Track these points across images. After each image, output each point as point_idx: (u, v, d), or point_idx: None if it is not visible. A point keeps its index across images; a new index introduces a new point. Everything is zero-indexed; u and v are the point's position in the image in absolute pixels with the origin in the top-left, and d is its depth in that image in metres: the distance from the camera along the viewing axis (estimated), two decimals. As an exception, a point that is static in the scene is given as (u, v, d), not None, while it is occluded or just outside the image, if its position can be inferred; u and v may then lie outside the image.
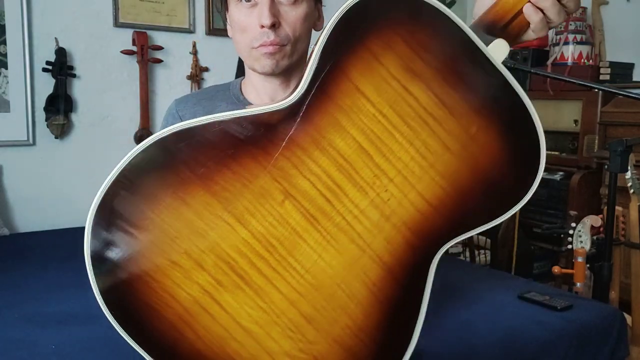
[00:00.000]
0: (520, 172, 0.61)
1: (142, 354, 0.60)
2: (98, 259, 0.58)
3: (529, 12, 0.63)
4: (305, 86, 0.57)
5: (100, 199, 0.56)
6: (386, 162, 0.58)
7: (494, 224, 0.63)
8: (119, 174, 0.55)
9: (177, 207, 0.57)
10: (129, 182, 0.56)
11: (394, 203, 0.59)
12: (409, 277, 0.63)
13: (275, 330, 0.61)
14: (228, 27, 0.96)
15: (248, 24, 0.88)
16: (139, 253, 0.58)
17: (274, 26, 0.86)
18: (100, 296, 0.58)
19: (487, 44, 0.58)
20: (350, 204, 0.59)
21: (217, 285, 0.59)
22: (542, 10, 0.63)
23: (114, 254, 0.58)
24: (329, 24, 0.56)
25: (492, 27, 0.62)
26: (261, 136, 0.57)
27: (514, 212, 0.62)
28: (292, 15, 0.87)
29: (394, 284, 0.63)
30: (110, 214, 0.56)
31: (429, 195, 0.60)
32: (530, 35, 0.66)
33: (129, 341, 0.60)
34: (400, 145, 0.58)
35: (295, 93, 0.58)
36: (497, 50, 0.57)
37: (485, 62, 0.58)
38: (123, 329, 0.59)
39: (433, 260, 0.63)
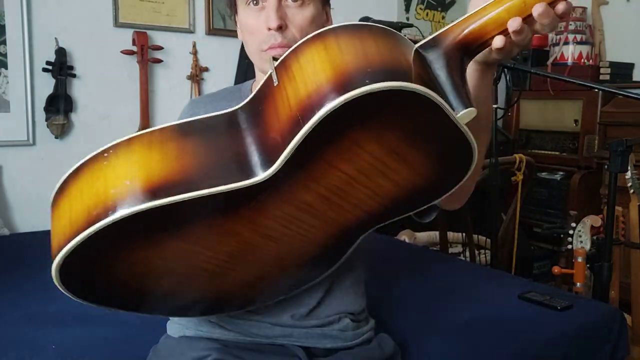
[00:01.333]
0: (449, 183, 0.72)
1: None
2: (68, 277, 0.65)
3: (497, 40, 0.62)
4: (281, 165, 0.57)
5: (80, 241, 0.57)
6: (343, 200, 0.67)
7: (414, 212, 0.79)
8: (98, 230, 0.56)
9: (146, 251, 0.63)
10: (104, 237, 0.57)
11: (342, 219, 0.71)
12: (341, 249, 0.82)
13: (227, 284, 0.78)
14: (238, 31, 0.97)
15: (256, 27, 0.89)
16: (118, 274, 0.65)
17: (281, 28, 0.87)
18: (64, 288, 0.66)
19: (457, 106, 0.58)
20: (304, 224, 0.69)
21: (184, 277, 0.71)
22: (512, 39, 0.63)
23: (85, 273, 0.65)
24: (311, 122, 0.53)
25: (467, 46, 0.62)
26: (235, 202, 0.60)
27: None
28: (299, 18, 0.88)
29: (328, 251, 0.81)
30: (87, 249, 0.59)
31: (371, 210, 0.71)
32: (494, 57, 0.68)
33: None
34: (357, 190, 0.66)
35: (270, 170, 0.57)
36: (466, 116, 0.59)
37: (452, 125, 0.59)
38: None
39: (359, 239, 0.82)
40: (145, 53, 2.36)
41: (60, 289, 0.62)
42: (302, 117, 0.54)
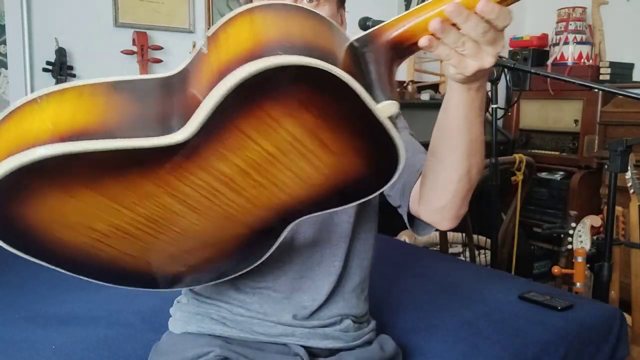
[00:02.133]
0: (375, 182, 0.71)
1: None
2: None
3: (422, 39, 0.61)
4: (193, 129, 0.58)
5: None
6: (263, 178, 0.67)
7: (346, 207, 0.77)
8: (15, 169, 0.58)
9: (63, 197, 0.64)
10: (20, 176, 0.59)
11: (264, 198, 0.71)
12: (266, 234, 0.81)
13: (156, 255, 0.80)
14: None
15: None
16: (34, 220, 0.66)
17: None
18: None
19: (380, 98, 0.59)
20: (226, 199, 0.70)
21: (106, 237, 0.72)
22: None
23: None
24: (224, 86, 0.54)
25: (399, 45, 0.62)
26: (151, 160, 0.61)
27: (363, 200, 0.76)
28: None
29: (253, 237, 0.80)
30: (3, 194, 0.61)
31: (294, 193, 0.71)
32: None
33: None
34: (278, 169, 0.66)
35: (181, 131, 0.58)
36: (387, 108, 0.59)
37: (372, 117, 0.60)
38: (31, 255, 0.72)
39: (288, 227, 0.80)
40: (145, 53, 2.36)
41: None
42: (217, 83, 0.55)
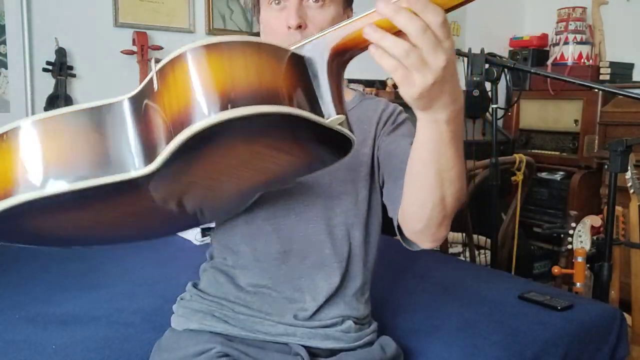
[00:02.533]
0: (333, 157, 0.73)
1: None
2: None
3: (370, 48, 0.59)
4: (160, 165, 0.60)
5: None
6: (229, 177, 0.74)
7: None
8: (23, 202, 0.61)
9: (46, 218, 0.70)
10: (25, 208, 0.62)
11: (233, 189, 0.81)
12: (240, 202, 0.93)
13: (142, 225, 0.88)
14: (260, 30, 0.98)
15: (277, 26, 0.91)
16: (27, 227, 0.73)
17: (301, 27, 0.88)
18: None
19: (329, 111, 0.61)
20: (196, 192, 0.77)
21: (94, 226, 0.79)
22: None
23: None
24: (177, 141, 0.56)
25: (344, 51, 0.62)
26: (117, 189, 0.64)
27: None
28: (320, 18, 0.89)
29: (230, 203, 0.92)
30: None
31: (257, 179, 0.78)
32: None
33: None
34: (242, 171, 0.72)
35: (150, 167, 0.61)
36: (336, 121, 0.61)
37: (324, 127, 0.61)
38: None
39: (254, 197, 0.92)
40: (145, 53, 2.36)
41: None
42: (173, 130, 0.57)
